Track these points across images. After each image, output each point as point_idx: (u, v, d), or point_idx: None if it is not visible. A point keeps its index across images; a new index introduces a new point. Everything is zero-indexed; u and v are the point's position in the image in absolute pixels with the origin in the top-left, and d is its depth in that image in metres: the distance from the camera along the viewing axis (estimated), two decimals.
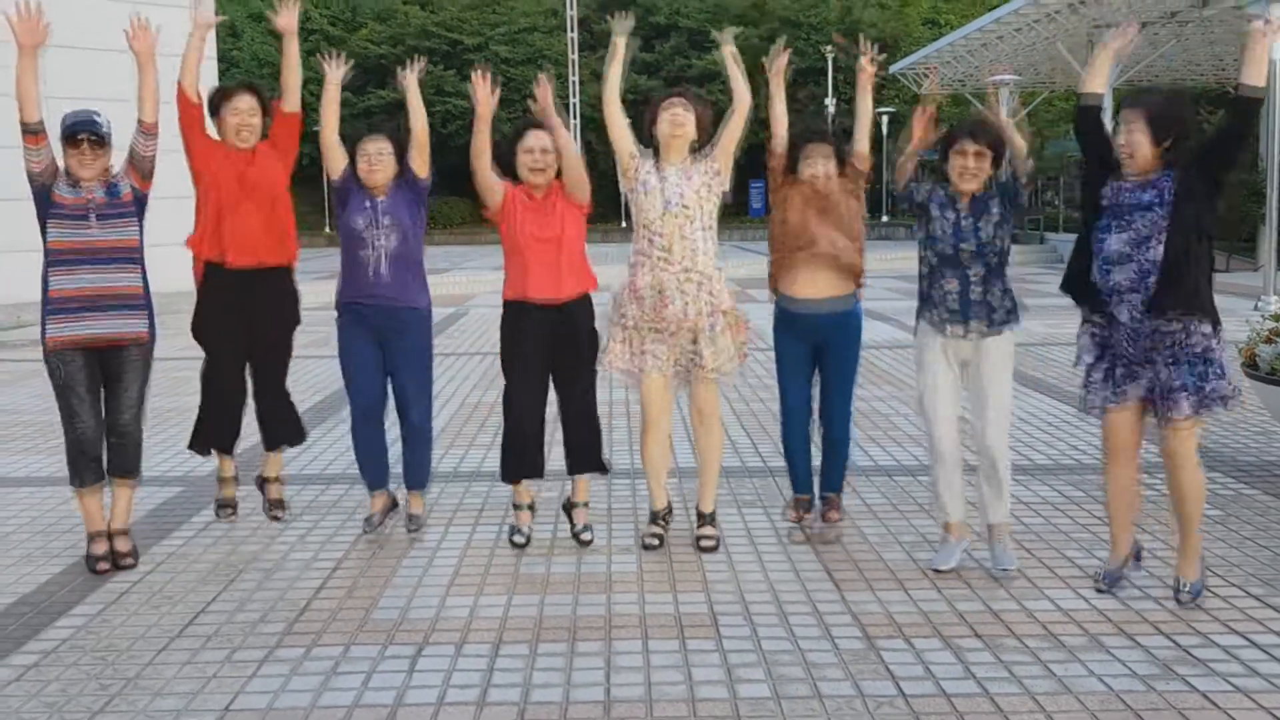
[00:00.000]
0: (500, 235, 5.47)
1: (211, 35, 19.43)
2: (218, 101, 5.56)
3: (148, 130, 5.27)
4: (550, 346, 5.38)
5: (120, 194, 5.18)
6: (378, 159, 5.45)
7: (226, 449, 5.92)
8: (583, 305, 5.45)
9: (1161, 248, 4.41)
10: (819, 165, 5.33)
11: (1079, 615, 4.49)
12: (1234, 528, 5.60)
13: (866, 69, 5.42)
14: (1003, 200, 4.94)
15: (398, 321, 5.52)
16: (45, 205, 5.11)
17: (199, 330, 5.76)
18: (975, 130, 4.93)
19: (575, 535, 5.52)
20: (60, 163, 5.15)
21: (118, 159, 5.27)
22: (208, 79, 19.74)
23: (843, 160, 5.37)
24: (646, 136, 5.45)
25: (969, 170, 4.88)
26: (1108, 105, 26.64)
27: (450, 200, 42.31)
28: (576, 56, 34.19)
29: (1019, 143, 4.94)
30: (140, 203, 5.26)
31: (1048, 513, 5.94)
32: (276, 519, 5.93)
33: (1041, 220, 34.72)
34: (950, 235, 4.92)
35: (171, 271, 7.29)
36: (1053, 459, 7.16)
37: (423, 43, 46.26)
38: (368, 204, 5.46)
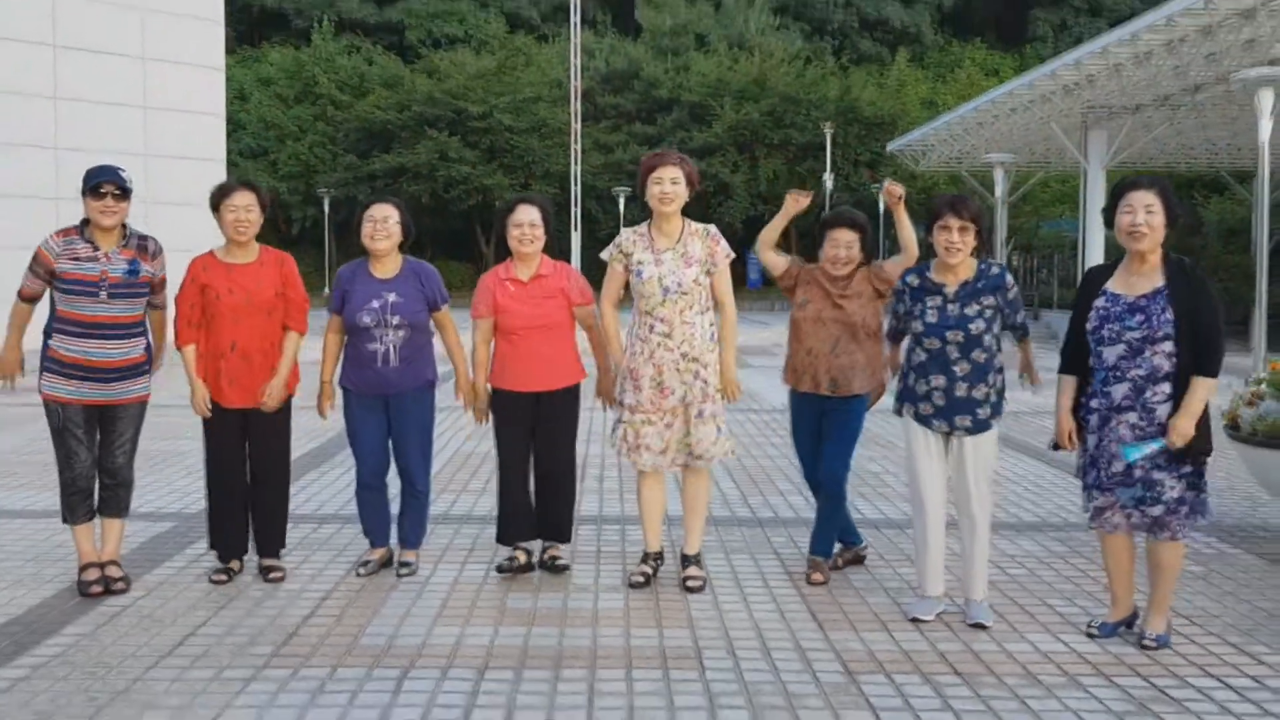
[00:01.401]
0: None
1: (220, 92, 19.81)
2: (217, 199, 5.57)
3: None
4: (534, 428, 5.60)
5: (139, 275, 5.29)
6: (383, 225, 5.55)
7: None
8: (566, 396, 5.60)
9: (1156, 359, 4.51)
10: (841, 249, 5.49)
11: (1058, 657, 4.55)
12: (1215, 583, 5.66)
13: (892, 197, 5.49)
14: (997, 298, 4.96)
15: (404, 401, 5.61)
16: (55, 280, 5.23)
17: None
18: (957, 204, 4.97)
19: (551, 564, 5.62)
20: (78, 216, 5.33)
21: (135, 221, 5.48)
22: (215, 142, 19.94)
23: (867, 246, 5.55)
24: (640, 197, 5.61)
25: (954, 245, 4.94)
26: (1099, 187, 26.97)
27: (451, 265, 42.70)
28: (579, 126, 34.73)
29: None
30: (152, 284, 5.41)
31: (1031, 565, 6.01)
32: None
33: (1036, 298, 35.03)
34: (938, 323, 4.95)
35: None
36: (1040, 517, 7.23)
37: (429, 109, 47.04)
38: (375, 301, 5.51)
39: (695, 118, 48.47)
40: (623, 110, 50.09)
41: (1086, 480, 4.81)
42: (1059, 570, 5.90)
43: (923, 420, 5.04)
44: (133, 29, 18.24)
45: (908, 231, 5.57)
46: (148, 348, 5.44)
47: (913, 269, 5.18)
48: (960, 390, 4.95)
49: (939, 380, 4.97)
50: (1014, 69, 55.64)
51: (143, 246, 5.35)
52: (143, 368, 5.39)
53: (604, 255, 5.58)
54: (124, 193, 5.22)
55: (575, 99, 34.69)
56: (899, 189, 5.53)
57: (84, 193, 5.21)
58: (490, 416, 5.69)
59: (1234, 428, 6.68)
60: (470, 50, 53.47)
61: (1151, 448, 4.53)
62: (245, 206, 5.48)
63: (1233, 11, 18.36)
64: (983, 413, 4.96)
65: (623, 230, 5.62)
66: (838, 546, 5.84)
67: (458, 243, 48.57)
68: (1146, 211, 4.56)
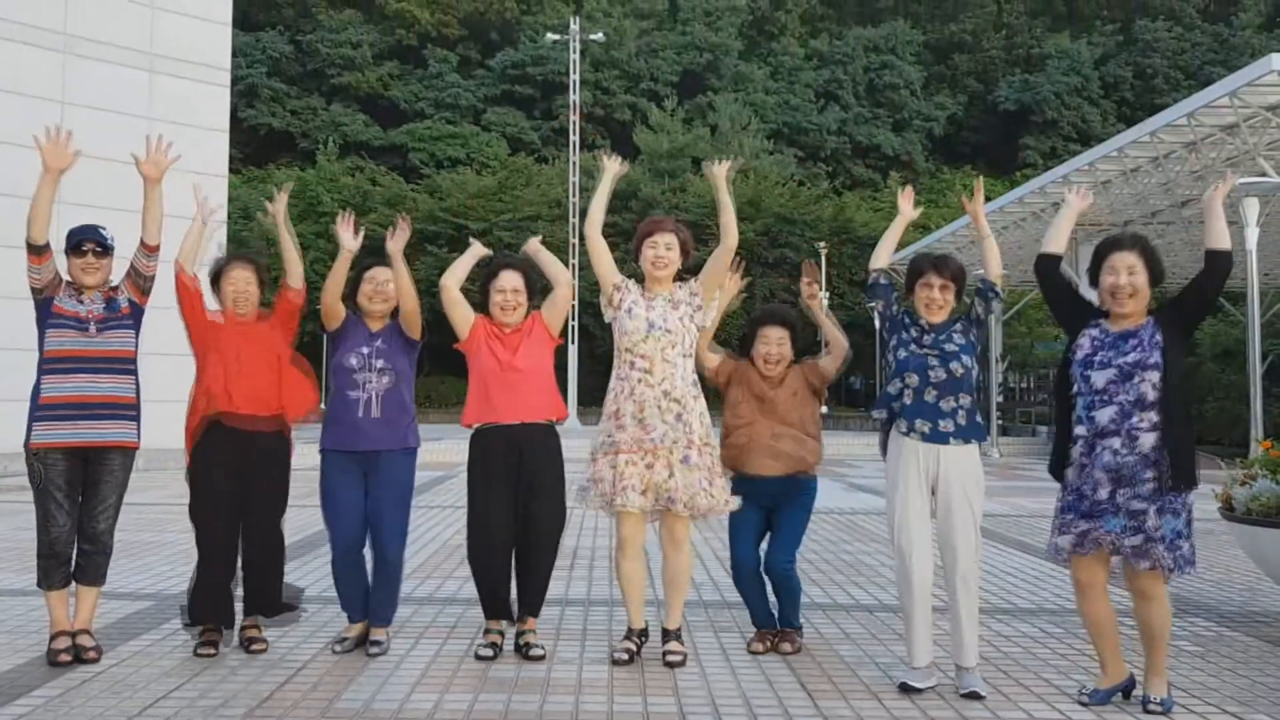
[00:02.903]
0: (468, 364, 5.56)
1: (223, 199, 20.14)
2: (216, 272, 5.62)
3: (150, 251, 5.43)
4: (516, 475, 5.40)
5: (119, 308, 5.32)
6: (383, 288, 5.57)
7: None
8: (548, 434, 5.48)
9: (1144, 386, 4.51)
10: (773, 346, 5.59)
11: None
12: (1213, 660, 5.54)
13: (811, 294, 5.63)
14: (967, 329, 5.02)
15: (382, 462, 5.47)
16: (45, 315, 5.24)
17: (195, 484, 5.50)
18: (939, 264, 5.03)
19: (526, 652, 5.38)
20: (64, 275, 5.32)
21: (119, 270, 5.44)
22: (216, 247, 20.38)
23: (797, 343, 5.64)
24: (633, 264, 5.63)
25: (935, 302, 4.99)
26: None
27: (446, 379, 42.77)
28: (578, 242, 35.20)
29: (993, 259, 5.13)
30: (137, 316, 5.41)
31: (1026, 644, 5.88)
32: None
33: (1033, 414, 35.08)
34: (913, 342, 5.00)
35: (168, 428, 7.14)
36: (1035, 603, 7.11)
37: (429, 227, 47.72)
38: (364, 347, 5.51)
39: (692, 236, 49.18)
40: (620, 228, 50.73)
41: (1065, 518, 4.68)
42: (1053, 649, 5.77)
43: (886, 425, 5.02)
44: (138, 137, 18.58)
45: (830, 329, 5.64)
46: (138, 395, 5.36)
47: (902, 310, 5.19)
48: (929, 395, 4.92)
49: (912, 379, 4.96)
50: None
51: (116, 286, 5.38)
52: (132, 412, 5.32)
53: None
54: (105, 250, 5.27)
55: (574, 216, 35.26)
56: (814, 287, 5.63)
57: (66, 251, 5.25)
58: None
59: (1228, 508, 6.62)
60: (472, 171, 54.53)
61: None
62: (245, 281, 5.52)
63: (1215, 127, 18.80)
64: (944, 425, 4.91)
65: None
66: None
67: (457, 359, 48.73)
68: (1129, 273, 4.59)
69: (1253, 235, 16.03)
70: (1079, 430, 4.65)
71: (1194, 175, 21.27)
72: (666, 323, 5.32)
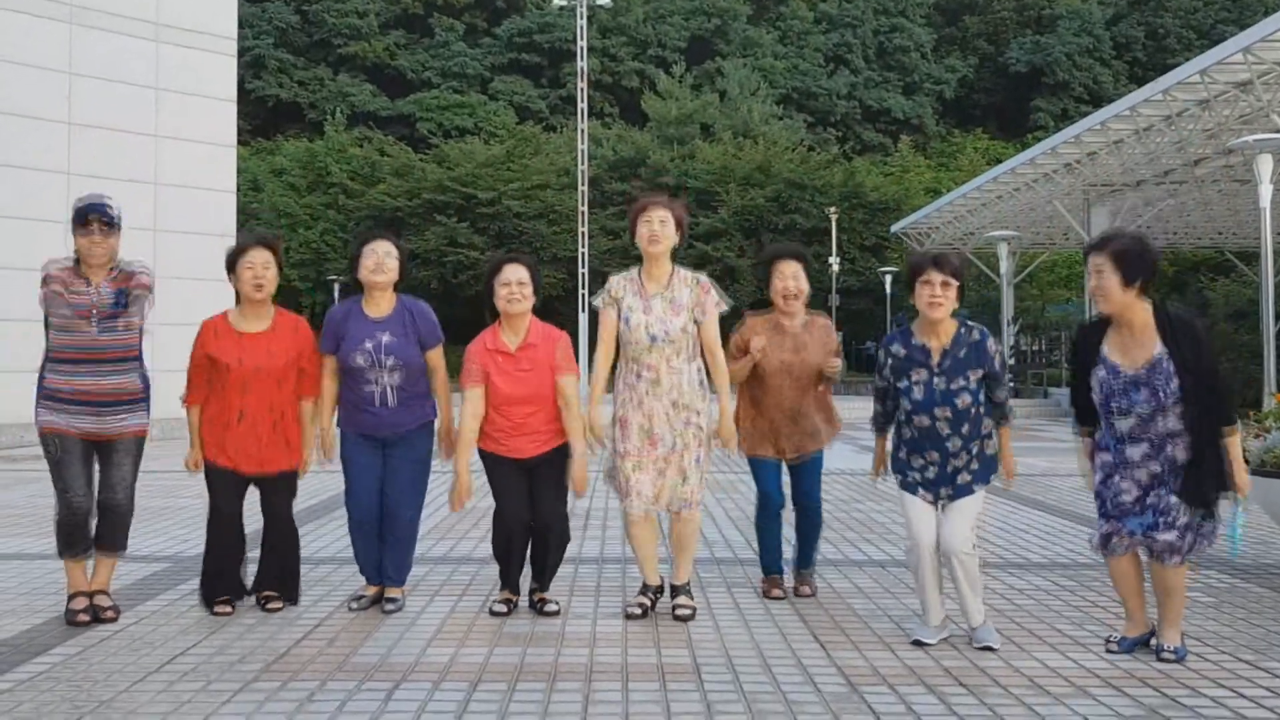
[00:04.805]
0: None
1: (232, 169, 20.10)
2: (234, 257, 5.53)
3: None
4: (528, 483, 5.45)
5: (125, 303, 5.23)
6: (387, 258, 5.48)
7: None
8: (556, 453, 5.44)
9: (1170, 423, 4.52)
10: (789, 280, 5.68)
11: (1066, 671, 4.44)
12: (1227, 611, 5.55)
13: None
14: (985, 367, 4.93)
15: (402, 438, 5.50)
16: (47, 318, 5.22)
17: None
18: (939, 260, 4.94)
19: (540, 608, 5.43)
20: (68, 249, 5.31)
21: (130, 246, 5.41)
22: (225, 218, 20.26)
23: (811, 275, 5.80)
24: (630, 240, 5.56)
25: (937, 299, 4.88)
26: None
27: (458, 350, 42.76)
28: (586, 209, 35.13)
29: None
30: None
31: (1040, 596, 5.90)
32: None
33: (1044, 376, 35.01)
34: (924, 400, 4.88)
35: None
36: (1047, 558, 7.12)
37: (438, 196, 47.66)
38: (368, 342, 5.42)
39: (701, 203, 49.01)
40: (630, 196, 50.66)
41: (1099, 505, 4.79)
42: (1067, 600, 5.79)
43: (910, 488, 4.99)
44: (147, 107, 18.57)
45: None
46: (144, 382, 5.38)
47: (895, 335, 5.12)
48: (952, 466, 4.90)
49: (933, 455, 4.91)
50: None
51: (128, 273, 5.29)
52: (139, 401, 5.33)
53: (596, 303, 5.52)
54: (111, 224, 5.18)
55: (583, 184, 35.17)
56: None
57: (71, 224, 5.19)
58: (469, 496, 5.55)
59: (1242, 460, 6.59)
60: (480, 140, 54.32)
61: (1240, 520, 4.56)
62: (263, 264, 5.43)
63: (1230, 84, 18.63)
64: (964, 479, 4.92)
65: (612, 276, 5.52)
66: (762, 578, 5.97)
67: (465, 327, 48.72)
68: (1096, 274, 4.59)
69: (1266, 193, 15.85)
70: (1105, 457, 4.73)
71: (1207, 133, 21.09)
72: (669, 333, 5.26)
